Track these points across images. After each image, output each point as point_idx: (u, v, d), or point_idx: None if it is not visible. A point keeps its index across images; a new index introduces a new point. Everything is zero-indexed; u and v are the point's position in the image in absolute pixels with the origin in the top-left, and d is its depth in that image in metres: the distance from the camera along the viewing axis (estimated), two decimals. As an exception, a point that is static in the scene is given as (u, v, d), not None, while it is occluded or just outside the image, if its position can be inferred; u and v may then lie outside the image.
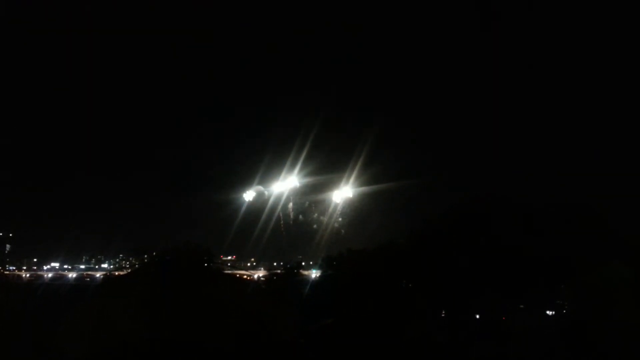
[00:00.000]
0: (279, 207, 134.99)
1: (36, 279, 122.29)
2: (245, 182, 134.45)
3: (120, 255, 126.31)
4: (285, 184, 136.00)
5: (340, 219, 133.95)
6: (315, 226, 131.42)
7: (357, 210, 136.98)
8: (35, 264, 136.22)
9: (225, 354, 37.89)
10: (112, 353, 36.35)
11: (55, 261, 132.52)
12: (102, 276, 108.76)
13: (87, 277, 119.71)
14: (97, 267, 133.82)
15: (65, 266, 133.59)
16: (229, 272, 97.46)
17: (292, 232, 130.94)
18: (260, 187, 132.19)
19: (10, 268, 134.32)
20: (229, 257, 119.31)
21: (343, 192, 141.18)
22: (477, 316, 49.92)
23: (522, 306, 51.29)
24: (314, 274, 75.02)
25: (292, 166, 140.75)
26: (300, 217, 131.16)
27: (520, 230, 49.61)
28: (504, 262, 47.18)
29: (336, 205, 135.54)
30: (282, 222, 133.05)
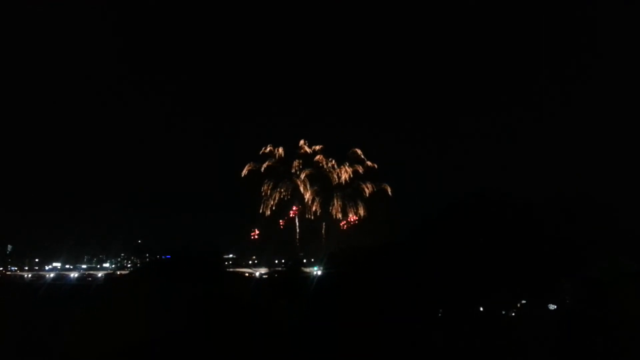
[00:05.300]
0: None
1: (38, 279, 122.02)
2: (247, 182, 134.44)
3: (122, 255, 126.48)
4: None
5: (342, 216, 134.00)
6: (319, 224, 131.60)
7: (361, 209, 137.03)
8: (37, 264, 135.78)
9: (227, 351, 37.89)
10: (116, 353, 36.35)
11: (57, 261, 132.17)
12: (103, 275, 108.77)
13: (89, 277, 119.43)
14: (98, 266, 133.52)
15: (67, 266, 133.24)
16: (231, 270, 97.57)
17: (295, 230, 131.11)
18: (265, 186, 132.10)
19: (12, 268, 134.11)
20: (231, 255, 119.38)
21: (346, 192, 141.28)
22: (481, 308, 49.58)
23: (524, 301, 50.93)
24: (316, 271, 74.88)
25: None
26: (307, 216, 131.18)
27: (520, 225, 49.25)
28: (504, 256, 46.89)
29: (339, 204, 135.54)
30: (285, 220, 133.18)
